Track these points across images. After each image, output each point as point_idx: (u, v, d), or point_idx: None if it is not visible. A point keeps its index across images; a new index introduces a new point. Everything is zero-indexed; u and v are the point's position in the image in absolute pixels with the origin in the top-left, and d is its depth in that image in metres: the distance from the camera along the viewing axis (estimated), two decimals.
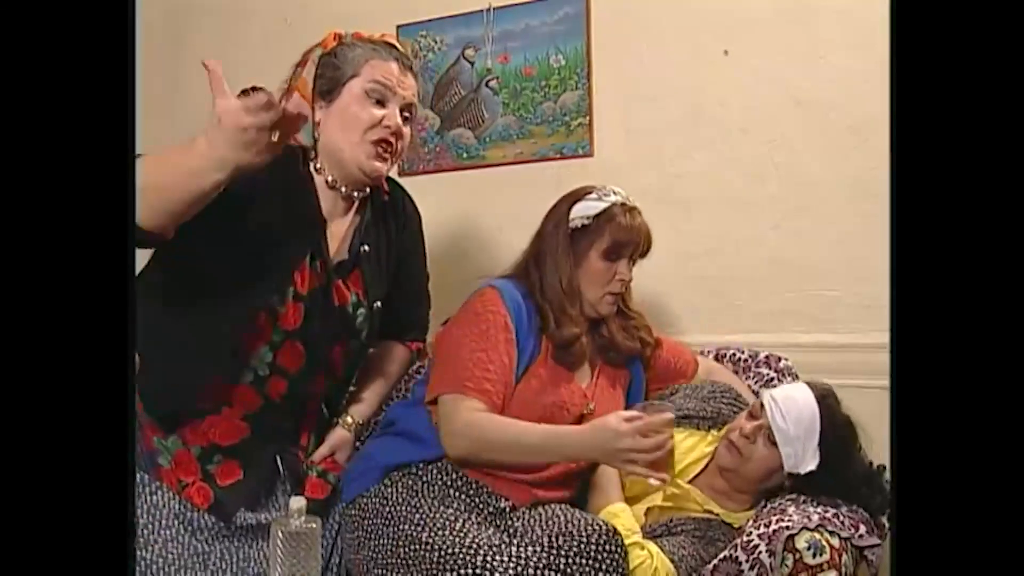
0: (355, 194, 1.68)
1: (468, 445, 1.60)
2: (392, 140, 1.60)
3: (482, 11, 2.49)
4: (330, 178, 1.63)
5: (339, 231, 1.67)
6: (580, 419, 1.72)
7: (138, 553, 1.49)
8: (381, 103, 1.59)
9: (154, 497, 1.53)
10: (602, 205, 1.76)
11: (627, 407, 1.79)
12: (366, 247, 1.69)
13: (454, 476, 1.64)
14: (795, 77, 2.17)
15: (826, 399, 1.68)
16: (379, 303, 1.72)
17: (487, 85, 2.50)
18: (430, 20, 2.57)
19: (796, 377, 1.97)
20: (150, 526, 1.51)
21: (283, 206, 1.56)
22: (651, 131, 2.32)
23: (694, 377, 1.98)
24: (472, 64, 2.52)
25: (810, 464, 1.63)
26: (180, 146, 1.31)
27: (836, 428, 1.66)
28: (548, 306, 1.73)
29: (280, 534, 1.30)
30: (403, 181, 2.49)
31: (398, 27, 2.56)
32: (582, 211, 1.77)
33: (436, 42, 2.56)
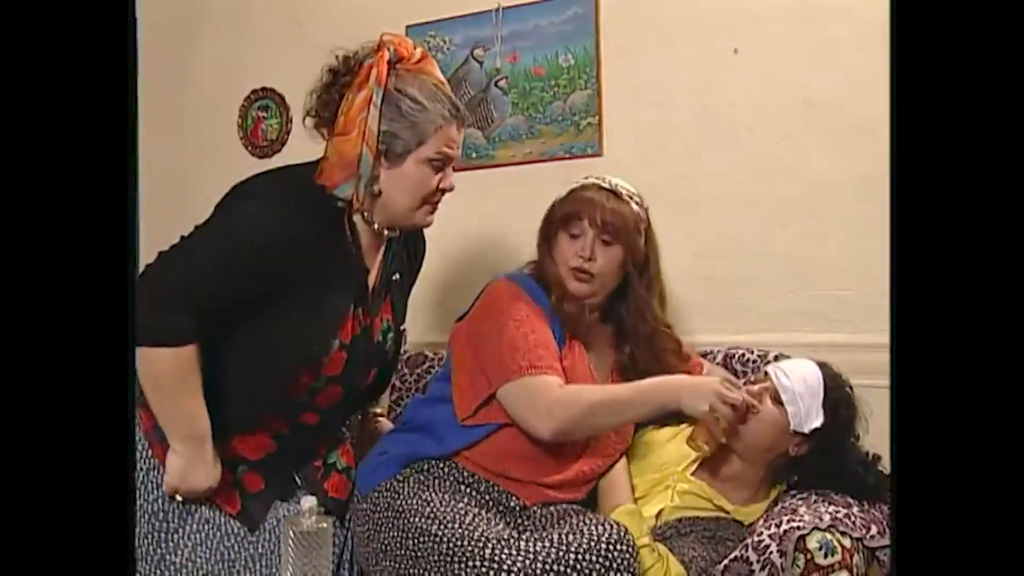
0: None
1: (572, 414, 1.58)
2: (442, 197, 1.63)
3: (491, 11, 2.49)
4: (377, 225, 1.62)
5: (373, 267, 1.67)
6: None
7: (168, 557, 1.50)
8: (440, 168, 1.59)
9: (185, 502, 1.54)
10: (572, 186, 1.81)
11: None
12: (398, 275, 1.71)
13: (466, 474, 1.64)
14: (804, 76, 2.17)
15: (826, 366, 1.74)
16: (404, 324, 1.75)
17: (496, 85, 2.50)
18: (439, 20, 2.57)
19: None
20: (180, 531, 1.53)
21: (328, 263, 1.56)
22: (660, 131, 2.32)
23: None
24: (481, 64, 2.52)
25: (815, 421, 1.67)
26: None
27: (839, 389, 1.71)
28: (551, 285, 1.75)
29: (292, 533, 1.30)
30: None
31: (407, 27, 2.57)
32: (559, 194, 1.82)
33: (445, 42, 2.56)
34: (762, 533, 1.51)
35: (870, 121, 2.04)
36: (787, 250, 2.18)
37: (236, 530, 1.57)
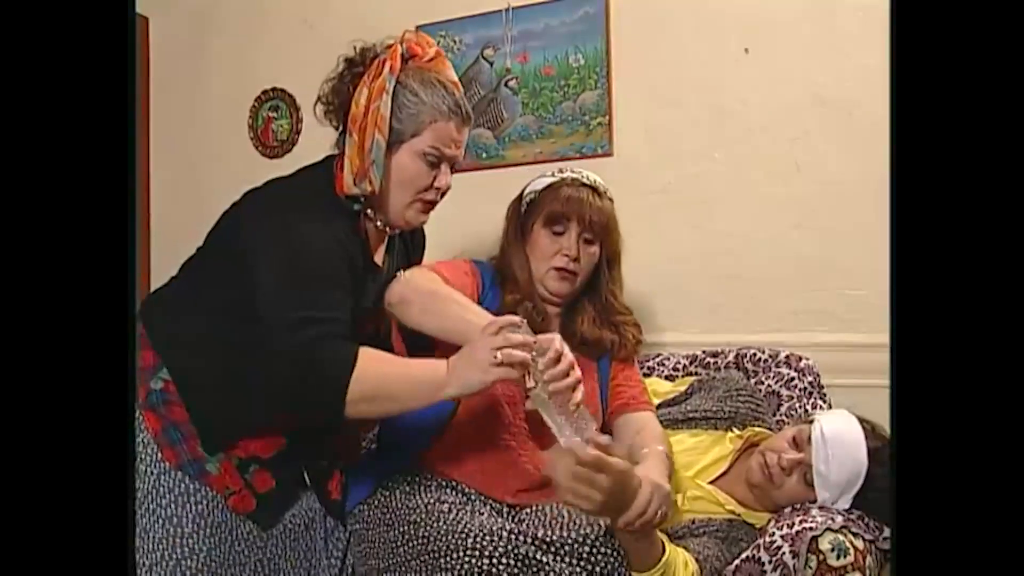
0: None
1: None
2: (439, 198, 1.62)
3: (501, 11, 2.50)
4: (379, 223, 1.62)
5: (381, 266, 1.68)
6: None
7: (184, 562, 1.51)
8: (435, 164, 1.58)
9: (199, 506, 1.54)
10: (550, 180, 1.76)
11: (602, 402, 1.74)
12: (401, 272, 1.69)
13: (440, 480, 1.61)
14: (816, 75, 2.16)
15: (879, 452, 1.58)
16: None
17: (506, 85, 2.50)
18: (449, 20, 2.58)
19: (817, 377, 1.97)
20: (195, 535, 1.53)
21: (355, 266, 1.55)
22: (671, 130, 2.32)
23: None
24: (491, 64, 2.52)
25: (843, 505, 1.60)
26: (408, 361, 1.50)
27: (880, 489, 1.53)
28: (511, 282, 1.73)
29: None
30: None
31: (418, 27, 2.57)
32: (533, 187, 1.79)
33: (455, 42, 2.56)
34: (774, 534, 1.50)
35: (883, 120, 2.02)
36: (800, 249, 2.17)
37: (250, 529, 1.57)
